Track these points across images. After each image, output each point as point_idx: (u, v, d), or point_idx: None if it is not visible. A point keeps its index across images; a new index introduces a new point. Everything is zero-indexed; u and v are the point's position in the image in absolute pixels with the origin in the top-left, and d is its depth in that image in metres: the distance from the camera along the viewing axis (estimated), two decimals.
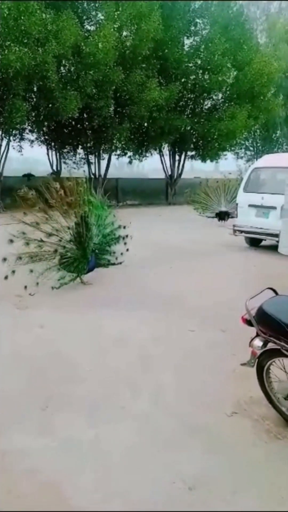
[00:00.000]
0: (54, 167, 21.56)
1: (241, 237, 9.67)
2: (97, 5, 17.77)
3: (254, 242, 9.69)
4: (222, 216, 13.60)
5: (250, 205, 9.03)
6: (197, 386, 3.32)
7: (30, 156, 23.28)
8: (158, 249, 9.08)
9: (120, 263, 6.73)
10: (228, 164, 28.67)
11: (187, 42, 20.78)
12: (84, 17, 18.13)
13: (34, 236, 5.83)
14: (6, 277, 5.57)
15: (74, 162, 22.72)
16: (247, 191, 9.34)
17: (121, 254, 6.82)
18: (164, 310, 5.12)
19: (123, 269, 6.87)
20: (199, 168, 36.77)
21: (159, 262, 7.67)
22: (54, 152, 21.63)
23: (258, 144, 30.34)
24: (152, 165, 30.06)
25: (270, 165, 9.22)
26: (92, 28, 18.00)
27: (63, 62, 16.58)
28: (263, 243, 9.69)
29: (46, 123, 18.87)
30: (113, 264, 6.69)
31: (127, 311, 5.04)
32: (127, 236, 6.82)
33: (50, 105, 16.47)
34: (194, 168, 30.15)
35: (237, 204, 9.58)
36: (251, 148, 30.97)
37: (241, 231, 9.32)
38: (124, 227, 6.81)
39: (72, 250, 6.07)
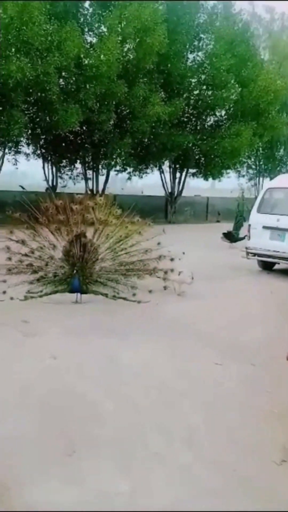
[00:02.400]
0: (50, 182, 21.52)
1: (253, 260, 9.59)
2: (100, 17, 18.11)
3: (267, 266, 9.63)
4: (228, 236, 13.58)
5: (264, 227, 9.00)
6: (234, 428, 3.16)
7: (18, 169, 23.20)
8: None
9: (139, 302, 6.12)
10: (226, 182, 28.80)
11: (191, 57, 21.25)
12: (86, 29, 18.48)
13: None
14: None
15: (70, 177, 22.76)
16: (260, 212, 9.32)
17: (149, 291, 6.32)
18: (183, 340, 4.96)
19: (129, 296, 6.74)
20: (195, 186, 37.16)
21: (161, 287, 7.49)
22: (50, 166, 21.66)
23: (261, 163, 30.76)
24: (147, 181, 30.28)
25: (286, 185, 9.24)
26: (94, 40, 18.33)
27: (64, 74, 16.74)
28: (276, 266, 9.64)
29: (44, 136, 18.95)
30: (125, 298, 6.24)
31: (142, 340, 4.87)
32: (172, 270, 6.43)
33: (49, 118, 16.56)
34: (190, 186, 30.39)
35: (249, 225, 9.55)
36: (254, 167, 31.37)
37: (254, 254, 9.25)
38: (172, 260, 6.43)
39: (57, 268, 6.35)
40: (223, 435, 3.07)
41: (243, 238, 12.02)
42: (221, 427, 3.18)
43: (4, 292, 6.07)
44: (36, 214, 6.30)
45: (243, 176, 31.51)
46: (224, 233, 13.71)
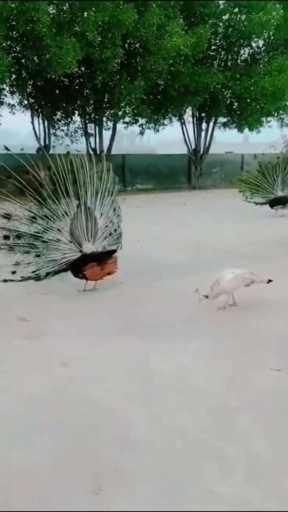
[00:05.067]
0: (42, 141, 21.34)
1: None
2: None
3: None
4: (280, 203, 13.60)
5: None
6: None
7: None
8: (194, 252, 8.90)
9: None
10: (264, 135, 28.17)
11: None
12: None
13: None
14: None
15: (66, 134, 22.59)
16: None
17: None
18: (226, 340, 4.84)
19: (152, 281, 6.80)
20: (223, 141, 36.48)
21: (201, 270, 7.38)
22: (41, 120, 21.45)
23: None
24: (162, 137, 29.77)
25: None
26: None
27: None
28: None
29: (32, 81, 18.68)
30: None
31: (174, 341, 4.78)
32: None
33: (38, 57, 16.29)
34: (216, 141, 30.03)
35: None
36: None
37: None
38: None
39: None
40: None
41: None
42: None
43: None
44: None
45: (287, 125, 30.84)
46: (274, 200, 13.71)
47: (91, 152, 20.89)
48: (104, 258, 6.39)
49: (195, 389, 3.84)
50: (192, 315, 5.57)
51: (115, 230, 6.78)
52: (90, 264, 6.26)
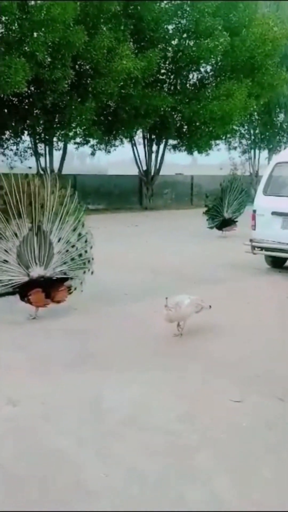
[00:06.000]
0: None
1: (259, 256, 9.47)
2: None
3: (278, 263, 9.50)
4: (227, 224, 14.03)
5: (274, 213, 8.82)
6: (275, 499, 2.88)
7: None
8: (148, 275, 8.76)
9: None
10: (212, 157, 28.81)
11: None
12: None
13: None
14: None
15: (16, 154, 22.22)
16: (268, 194, 9.15)
17: None
18: (184, 369, 4.69)
19: (106, 307, 6.64)
20: (173, 162, 37.00)
21: (155, 294, 7.22)
22: None
23: (257, 132, 30.87)
24: (113, 157, 29.82)
25: None
26: None
27: (5, 19, 16.18)
28: None
29: None
30: None
31: (130, 372, 4.59)
32: None
33: None
34: (167, 163, 30.37)
35: (254, 211, 9.36)
36: (247, 136, 31.47)
37: (262, 248, 9.08)
38: None
39: None
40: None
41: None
42: (259, 498, 2.89)
43: None
44: None
45: (235, 148, 31.62)
46: (223, 221, 13.95)
47: (41, 172, 20.63)
48: (54, 285, 6.15)
49: (153, 427, 3.64)
50: (148, 342, 5.41)
51: (80, 255, 6.51)
52: (35, 290, 6.01)
